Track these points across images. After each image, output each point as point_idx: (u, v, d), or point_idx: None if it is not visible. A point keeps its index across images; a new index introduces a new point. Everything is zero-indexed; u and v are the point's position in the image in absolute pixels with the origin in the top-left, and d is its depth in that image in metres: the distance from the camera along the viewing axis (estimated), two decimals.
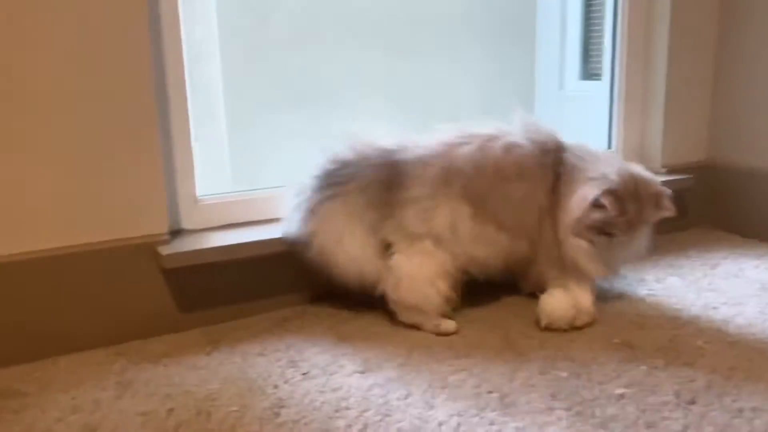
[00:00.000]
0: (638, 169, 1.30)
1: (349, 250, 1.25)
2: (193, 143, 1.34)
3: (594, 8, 3.58)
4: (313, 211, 1.26)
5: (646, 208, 1.25)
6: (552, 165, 1.27)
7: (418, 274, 1.23)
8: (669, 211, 1.27)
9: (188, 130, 1.32)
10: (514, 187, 1.24)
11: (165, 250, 1.20)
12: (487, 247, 1.26)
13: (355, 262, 1.25)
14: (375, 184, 1.25)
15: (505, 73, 3.67)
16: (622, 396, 1.02)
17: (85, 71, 1.14)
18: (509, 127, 1.31)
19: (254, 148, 2.79)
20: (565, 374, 1.08)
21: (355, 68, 2.90)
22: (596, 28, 3.62)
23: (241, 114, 2.81)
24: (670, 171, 1.80)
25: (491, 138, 1.27)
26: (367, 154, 1.27)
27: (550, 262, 1.29)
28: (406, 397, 1.02)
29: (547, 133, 1.31)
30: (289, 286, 1.37)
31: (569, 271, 1.27)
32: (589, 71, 3.94)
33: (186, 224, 1.33)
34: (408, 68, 3.03)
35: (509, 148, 1.26)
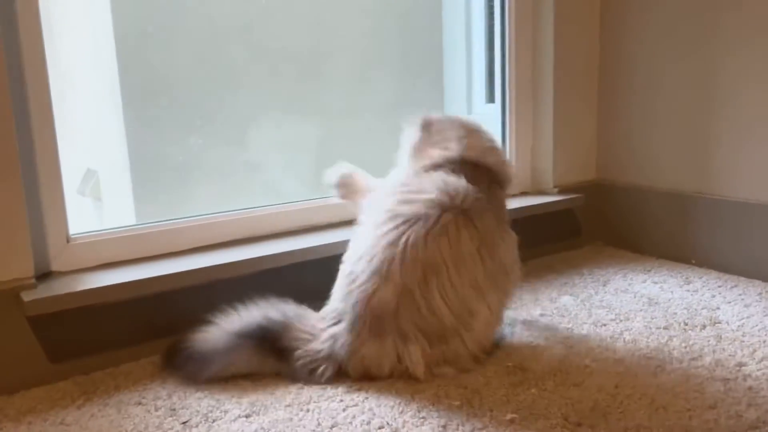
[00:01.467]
0: None
1: None
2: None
3: (497, 35, 3.70)
4: None
5: None
6: None
7: None
8: None
9: (57, 163, 1.23)
10: None
11: (29, 296, 1.11)
12: None
13: None
14: None
15: (415, 100, 3.72)
16: (512, 421, 1.01)
17: None
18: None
19: (158, 178, 2.69)
20: (457, 402, 1.06)
21: (264, 95, 2.85)
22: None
23: (143, 145, 2.69)
24: (562, 191, 1.84)
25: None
26: None
27: None
28: None
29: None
30: (174, 327, 1.29)
31: None
32: (494, 94, 4.07)
33: (56, 266, 1.23)
34: (317, 96, 3.01)
35: None
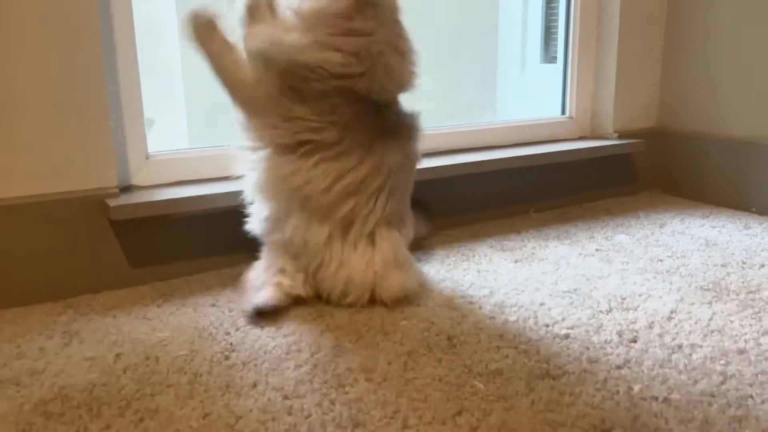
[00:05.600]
0: None
1: None
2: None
3: None
4: None
5: None
6: None
7: None
8: None
9: (138, 86, 1.30)
10: None
11: (113, 202, 1.19)
12: None
13: None
14: None
15: (469, 58, 3.69)
16: (567, 336, 1.04)
17: (31, 22, 1.12)
18: None
19: (214, 128, 2.77)
20: (513, 318, 1.11)
21: None
22: (556, 11, 3.68)
23: (200, 95, 2.77)
24: (622, 135, 1.84)
25: None
26: None
27: None
28: (357, 339, 1.03)
29: None
30: (246, 242, 1.36)
31: None
32: (549, 55, 4.00)
33: (136, 180, 1.31)
34: None
35: None
